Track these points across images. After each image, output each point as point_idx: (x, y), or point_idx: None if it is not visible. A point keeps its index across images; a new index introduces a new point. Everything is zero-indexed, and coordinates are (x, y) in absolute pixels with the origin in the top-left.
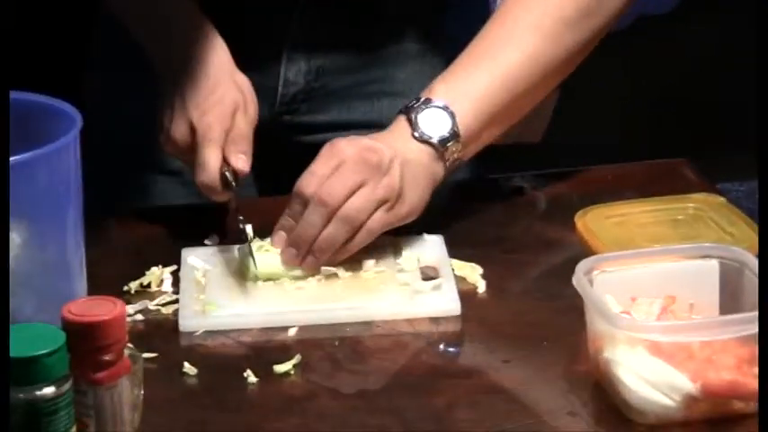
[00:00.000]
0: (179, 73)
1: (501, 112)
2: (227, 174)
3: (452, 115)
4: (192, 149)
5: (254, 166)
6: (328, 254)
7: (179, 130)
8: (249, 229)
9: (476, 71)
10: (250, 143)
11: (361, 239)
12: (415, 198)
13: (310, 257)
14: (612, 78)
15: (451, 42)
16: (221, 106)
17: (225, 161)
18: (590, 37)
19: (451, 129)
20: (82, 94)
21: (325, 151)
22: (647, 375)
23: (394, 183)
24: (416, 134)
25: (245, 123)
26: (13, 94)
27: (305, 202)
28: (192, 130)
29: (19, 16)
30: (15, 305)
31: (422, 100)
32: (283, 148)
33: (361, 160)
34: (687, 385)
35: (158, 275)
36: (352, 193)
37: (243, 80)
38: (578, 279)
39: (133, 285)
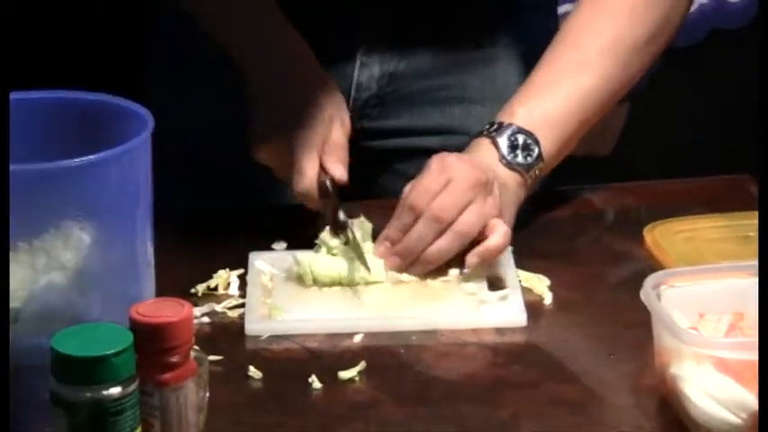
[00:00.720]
0: (278, 86)
1: (574, 134)
2: (326, 182)
3: (537, 142)
4: (288, 158)
5: None
6: (437, 264)
7: (277, 138)
8: (357, 234)
9: (554, 95)
10: (347, 152)
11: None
12: (510, 220)
13: (418, 266)
14: (683, 91)
15: (523, 49)
16: (319, 116)
17: (322, 170)
18: (653, 60)
19: (538, 156)
20: (144, 94)
21: (435, 166)
22: (714, 392)
23: (498, 202)
24: (505, 160)
25: (342, 134)
26: (86, 95)
27: (416, 216)
28: (291, 139)
29: (77, 17)
30: (83, 305)
31: (505, 124)
32: (355, 152)
33: (472, 178)
34: (755, 403)
35: (225, 278)
36: (464, 209)
37: (338, 94)
38: (646, 293)
39: (200, 288)
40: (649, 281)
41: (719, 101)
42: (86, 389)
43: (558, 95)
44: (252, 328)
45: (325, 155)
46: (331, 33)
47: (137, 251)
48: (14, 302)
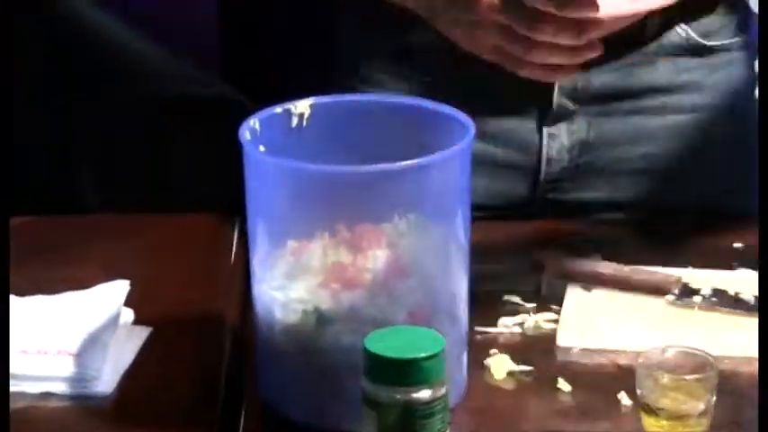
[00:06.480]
0: None
1: None
2: None
3: None
4: None
5: None
6: None
7: None
8: None
9: None
10: None
11: None
12: None
13: None
14: None
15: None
16: None
17: None
18: None
19: None
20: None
21: None
22: None
23: None
24: None
25: None
26: (405, 99)
27: None
28: None
29: None
30: (391, 309)
31: None
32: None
33: None
34: None
35: None
36: None
37: None
38: None
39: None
40: None
41: None
42: (397, 390)
43: None
44: (564, 338)
45: None
46: (509, 105)
47: (452, 252)
48: (323, 305)
